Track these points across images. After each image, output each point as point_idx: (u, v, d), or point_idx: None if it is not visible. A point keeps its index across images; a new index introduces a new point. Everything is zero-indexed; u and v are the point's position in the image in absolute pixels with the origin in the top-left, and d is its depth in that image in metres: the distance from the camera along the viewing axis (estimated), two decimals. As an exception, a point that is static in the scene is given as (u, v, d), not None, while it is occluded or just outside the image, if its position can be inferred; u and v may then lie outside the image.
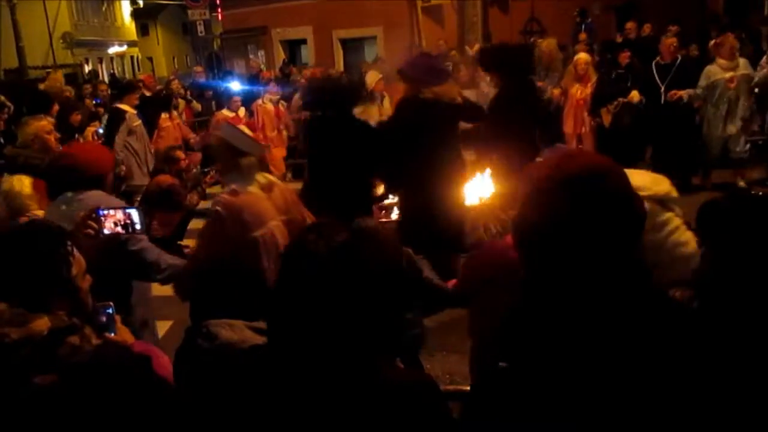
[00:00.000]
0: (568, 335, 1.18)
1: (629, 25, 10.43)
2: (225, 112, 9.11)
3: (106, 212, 2.27)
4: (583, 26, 12.46)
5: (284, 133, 9.69)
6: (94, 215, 2.22)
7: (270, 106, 9.62)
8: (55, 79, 9.46)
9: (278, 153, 9.51)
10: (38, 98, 7.03)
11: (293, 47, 19.33)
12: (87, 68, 28.46)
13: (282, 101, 10.00)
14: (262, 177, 3.08)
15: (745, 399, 1.22)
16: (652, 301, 1.22)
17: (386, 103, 8.33)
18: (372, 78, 8.31)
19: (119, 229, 2.29)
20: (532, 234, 1.26)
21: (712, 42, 7.78)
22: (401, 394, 1.38)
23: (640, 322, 1.18)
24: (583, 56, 8.43)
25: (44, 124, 4.57)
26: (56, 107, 6.80)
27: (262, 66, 15.90)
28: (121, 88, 8.58)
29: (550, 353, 1.19)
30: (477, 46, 12.52)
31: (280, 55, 18.19)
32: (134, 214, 2.31)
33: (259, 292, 2.21)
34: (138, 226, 2.32)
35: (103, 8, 36.60)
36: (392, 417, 1.35)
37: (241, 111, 9.21)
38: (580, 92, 8.26)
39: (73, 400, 1.10)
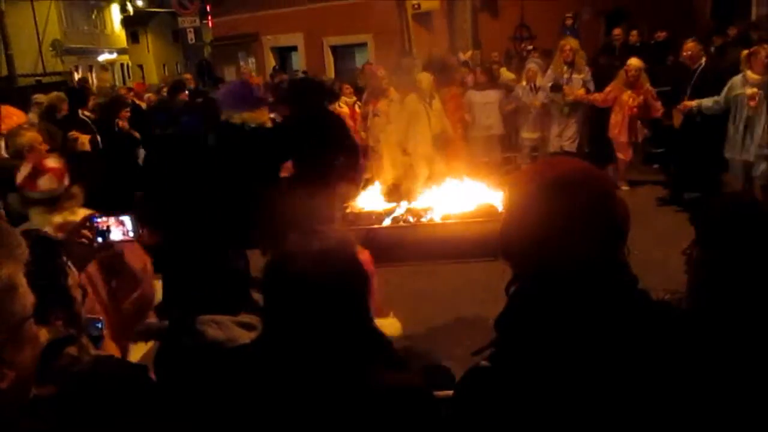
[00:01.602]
0: (552, 336, 1.21)
1: (617, 31, 10.50)
2: None
3: (99, 220, 2.19)
4: (568, 31, 12.50)
5: (362, 134, 8.82)
6: (87, 223, 2.15)
7: (346, 109, 9.07)
8: (104, 78, 10.36)
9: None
10: (77, 93, 7.98)
11: (284, 54, 19.34)
12: (77, 76, 28.33)
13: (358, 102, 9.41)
14: (49, 223, 2.97)
15: (732, 400, 1.25)
16: (636, 305, 1.25)
17: (436, 104, 8.51)
18: (425, 79, 8.48)
19: (112, 237, 2.21)
20: (518, 239, 1.29)
21: (746, 52, 6.95)
22: (392, 397, 1.40)
23: (625, 325, 1.20)
24: (634, 62, 7.88)
25: (35, 134, 4.55)
26: (92, 101, 7.67)
27: (253, 73, 15.90)
28: (172, 87, 9.54)
29: (534, 354, 1.21)
30: (470, 53, 12.59)
31: (271, 62, 18.20)
32: (127, 221, 2.23)
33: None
34: (131, 234, 2.24)
35: (93, 16, 36.49)
36: (383, 420, 1.37)
37: None
38: (633, 99, 7.75)
39: (75, 410, 1.11)
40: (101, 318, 1.90)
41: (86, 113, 7.40)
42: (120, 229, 2.19)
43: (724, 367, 1.26)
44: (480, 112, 9.08)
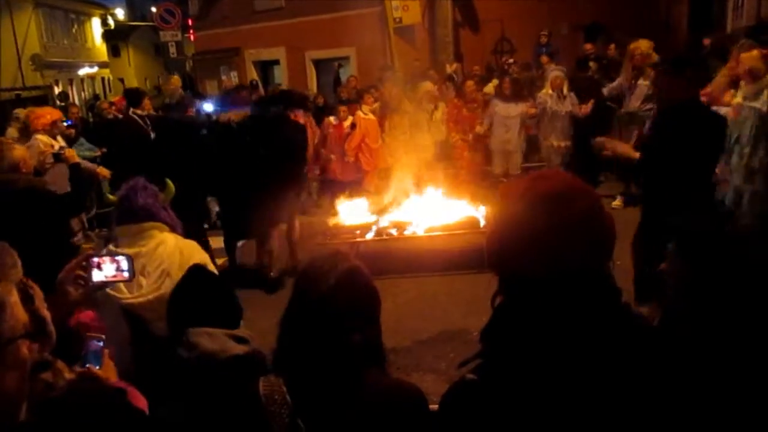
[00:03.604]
0: (538, 349, 1.21)
1: (588, 45, 10.63)
2: (332, 119, 9.28)
3: (97, 259, 2.11)
4: (544, 48, 12.62)
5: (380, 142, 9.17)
6: (85, 263, 2.06)
7: (372, 117, 9.18)
8: (172, 82, 10.92)
9: (376, 164, 9.22)
10: (133, 94, 8.21)
11: (266, 68, 19.35)
12: (57, 90, 28.07)
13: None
14: None
15: (704, 413, 1.26)
16: (621, 318, 1.26)
17: (437, 114, 8.54)
18: (423, 89, 8.86)
19: (107, 277, 2.12)
20: (507, 250, 1.29)
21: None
22: (388, 397, 1.51)
23: (610, 339, 1.21)
24: (747, 57, 5.97)
25: (24, 150, 4.44)
26: (147, 102, 7.90)
27: (235, 86, 15.87)
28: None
29: (520, 366, 1.22)
30: (455, 65, 12.68)
31: (253, 76, 18.19)
32: (123, 261, 2.15)
33: None
34: (126, 274, 2.15)
35: (74, 29, 36.19)
36: (380, 418, 1.48)
37: (348, 120, 9.13)
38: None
39: (51, 437, 1.09)
40: (102, 336, 1.82)
41: (138, 112, 7.55)
42: (115, 268, 2.11)
43: (709, 383, 1.26)
44: (499, 126, 8.87)
